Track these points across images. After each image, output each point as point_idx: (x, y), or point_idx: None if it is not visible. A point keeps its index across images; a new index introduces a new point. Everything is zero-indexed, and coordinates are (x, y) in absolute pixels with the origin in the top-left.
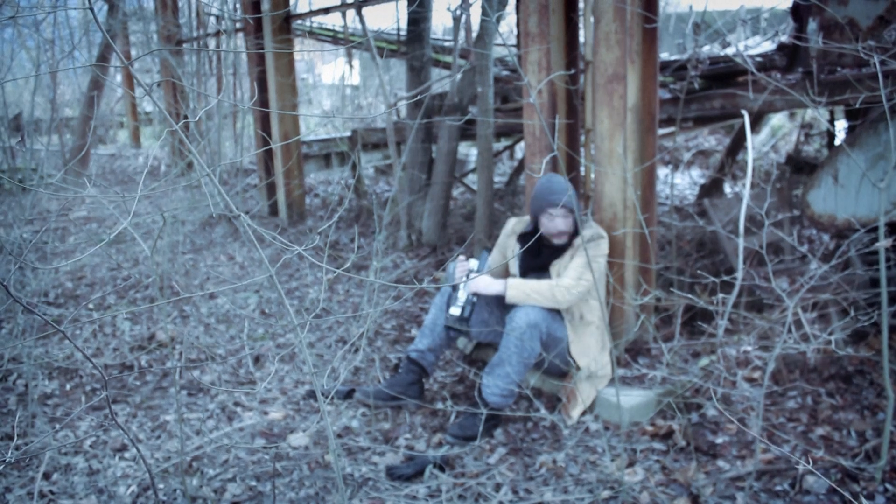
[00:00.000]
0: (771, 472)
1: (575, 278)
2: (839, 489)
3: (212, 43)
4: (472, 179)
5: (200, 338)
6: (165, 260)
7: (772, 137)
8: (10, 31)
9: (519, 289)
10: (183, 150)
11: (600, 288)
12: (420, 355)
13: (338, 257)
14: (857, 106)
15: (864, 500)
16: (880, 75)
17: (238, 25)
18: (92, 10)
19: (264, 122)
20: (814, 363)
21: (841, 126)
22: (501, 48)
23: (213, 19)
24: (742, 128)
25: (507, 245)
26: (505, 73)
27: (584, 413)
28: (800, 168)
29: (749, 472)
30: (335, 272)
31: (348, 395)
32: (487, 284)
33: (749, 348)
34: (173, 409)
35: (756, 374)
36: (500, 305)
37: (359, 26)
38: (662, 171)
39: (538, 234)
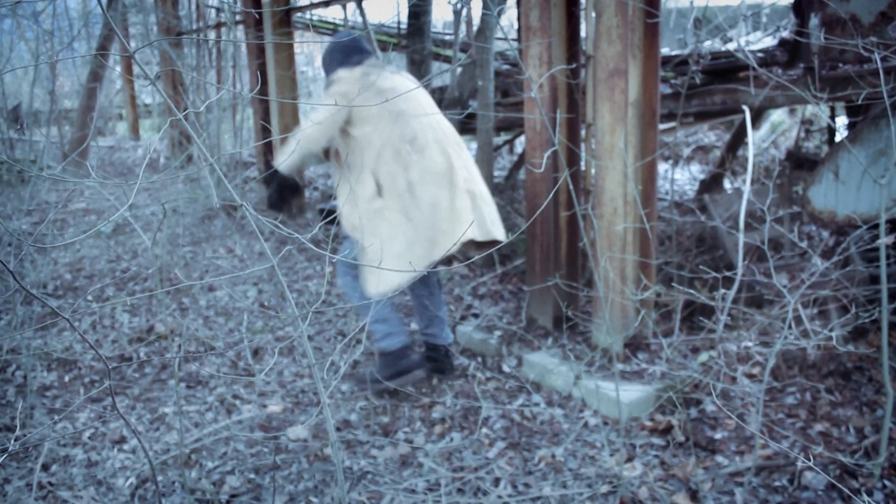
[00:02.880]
0: (770, 467)
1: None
2: (838, 485)
3: (212, 35)
4: None
5: (199, 330)
6: (165, 252)
7: (772, 133)
8: (10, 22)
9: (282, 157)
10: (182, 142)
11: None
12: (407, 338)
13: (337, 250)
14: (859, 102)
15: (862, 496)
16: (881, 71)
17: (238, 18)
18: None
19: (264, 114)
20: (813, 359)
21: (842, 122)
22: (502, 42)
23: (213, 11)
24: (742, 123)
25: None
26: (505, 67)
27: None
28: (800, 164)
29: (748, 467)
30: (336, 259)
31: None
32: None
33: (749, 344)
34: (172, 402)
35: (756, 370)
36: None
37: (359, 19)
38: (662, 167)
39: None
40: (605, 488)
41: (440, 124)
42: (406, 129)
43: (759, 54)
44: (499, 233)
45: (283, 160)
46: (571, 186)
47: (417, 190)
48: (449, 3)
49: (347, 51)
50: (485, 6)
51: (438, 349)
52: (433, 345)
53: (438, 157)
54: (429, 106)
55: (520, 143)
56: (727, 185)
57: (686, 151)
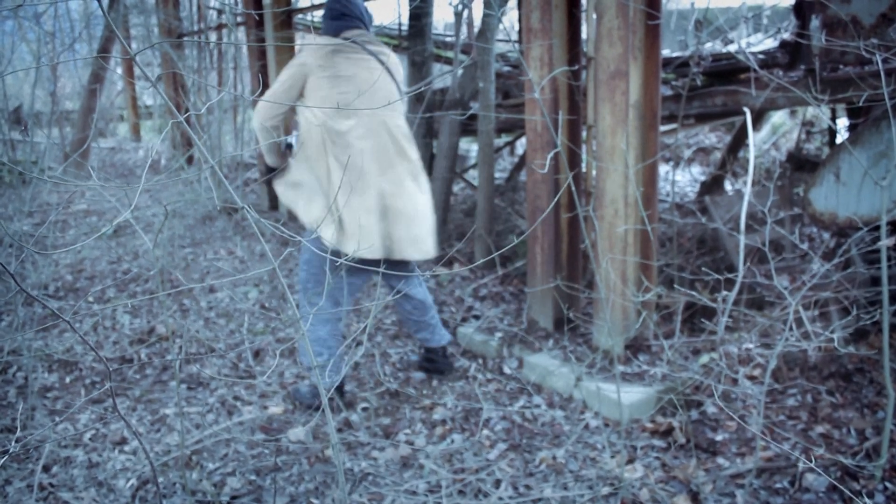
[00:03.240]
0: (771, 469)
1: None
2: (839, 487)
3: (213, 37)
4: (472, 175)
5: (200, 332)
6: (166, 254)
7: (773, 135)
8: (11, 23)
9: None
10: (183, 143)
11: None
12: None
13: None
14: (860, 104)
15: (863, 498)
16: (882, 73)
17: (239, 19)
18: (100, 1)
19: None
20: (814, 361)
21: (842, 124)
22: (504, 44)
23: (214, 13)
24: (743, 125)
25: None
26: (506, 68)
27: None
28: (801, 166)
29: (749, 469)
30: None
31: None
32: None
33: (750, 346)
34: (173, 403)
35: (757, 372)
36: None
37: None
38: (663, 169)
39: None
40: (606, 490)
41: (384, 128)
42: (342, 124)
43: (760, 56)
44: (413, 252)
45: (266, 154)
46: (573, 188)
47: (331, 189)
48: (450, 4)
49: (333, 15)
50: (486, 7)
51: (435, 351)
52: (429, 347)
53: (366, 163)
54: (387, 104)
55: (521, 145)
56: (728, 186)
57: (687, 153)
